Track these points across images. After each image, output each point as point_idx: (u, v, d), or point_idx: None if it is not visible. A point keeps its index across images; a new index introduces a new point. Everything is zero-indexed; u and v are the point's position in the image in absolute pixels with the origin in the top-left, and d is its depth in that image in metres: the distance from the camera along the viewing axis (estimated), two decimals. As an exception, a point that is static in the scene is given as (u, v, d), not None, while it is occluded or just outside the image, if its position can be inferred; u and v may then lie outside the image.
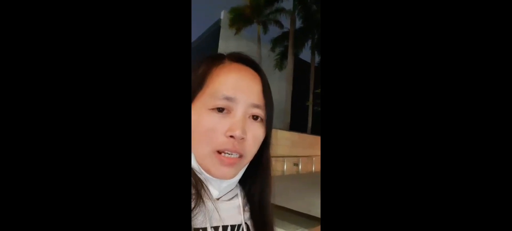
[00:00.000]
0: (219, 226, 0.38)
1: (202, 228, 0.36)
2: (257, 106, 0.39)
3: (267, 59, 11.76)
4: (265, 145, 0.43)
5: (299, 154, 8.23)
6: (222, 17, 13.68)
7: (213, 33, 14.19)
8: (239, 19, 10.76)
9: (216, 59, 0.41)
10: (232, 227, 0.40)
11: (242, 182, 0.44)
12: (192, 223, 0.35)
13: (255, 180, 0.45)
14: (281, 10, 10.88)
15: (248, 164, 0.41)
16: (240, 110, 0.37)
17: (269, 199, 0.45)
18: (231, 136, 0.36)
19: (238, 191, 0.43)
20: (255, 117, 0.39)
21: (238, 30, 11.02)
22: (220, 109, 0.37)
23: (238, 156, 0.38)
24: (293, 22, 10.97)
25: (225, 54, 0.43)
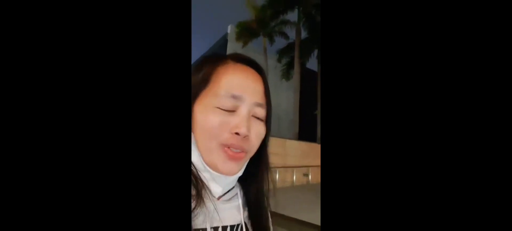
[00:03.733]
0: (218, 227, 0.39)
1: (202, 229, 0.37)
2: (260, 105, 0.40)
3: (274, 70, 11.91)
4: (263, 144, 0.44)
5: (309, 164, 8.20)
6: (229, 31, 14.06)
7: (221, 48, 14.54)
8: (246, 33, 11.02)
9: (219, 59, 0.42)
10: (231, 227, 0.41)
11: (241, 182, 0.46)
12: (193, 223, 0.36)
13: (253, 180, 0.46)
14: (286, 22, 11.08)
15: (248, 159, 0.42)
16: (245, 109, 0.39)
17: (264, 198, 0.46)
18: (237, 133, 0.38)
19: (237, 190, 0.45)
20: (257, 116, 0.41)
21: (245, 43, 11.27)
22: (226, 108, 0.38)
23: (242, 151, 0.39)
24: (298, 33, 11.14)
25: (227, 55, 0.44)
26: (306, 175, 8.04)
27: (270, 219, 0.47)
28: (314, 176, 8.27)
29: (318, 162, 8.72)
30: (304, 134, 10.42)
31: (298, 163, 7.83)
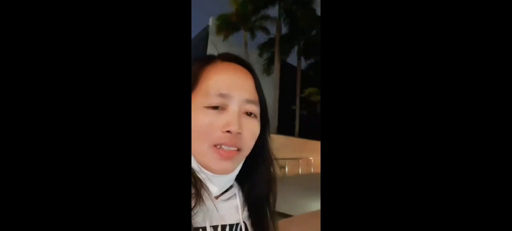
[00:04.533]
0: (218, 226, 0.40)
1: (201, 228, 0.37)
2: (251, 102, 0.40)
3: (255, 65, 11.95)
4: (262, 142, 0.44)
5: (286, 157, 8.51)
6: (210, 24, 13.94)
7: (202, 40, 14.38)
8: (226, 26, 11.02)
9: (207, 60, 0.42)
10: (231, 226, 0.41)
11: (240, 181, 0.46)
12: (192, 222, 0.36)
13: (252, 179, 0.46)
14: (267, 17, 11.22)
15: (244, 158, 0.42)
16: (235, 106, 0.39)
17: (266, 197, 0.46)
18: (228, 131, 0.38)
19: (236, 190, 0.45)
20: (249, 113, 0.40)
21: (225, 36, 11.28)
22: (215, 107, 0.38)
23: (236, 149, 0.39)
24: (279, 29, 11.34)
25: (215, 55, 0.44)
26: (283, 167, 8.36)
27: (270, 219, 0.47)
28: (291, 169, 8.61)
29: (294, 154, 9.07)
30: (283, 128, 10.72)
31: (275, 156, 8.06)
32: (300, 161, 9.31)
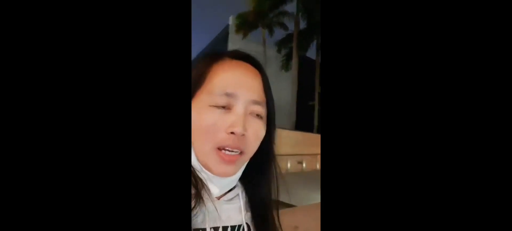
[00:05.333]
0: (219, 227, 0.39)
1: (201, 229, 0.37)
2: (257, 103, 0.39)
3: (274, 61, 12.18)
4: (268, 143, 0.43)
5: (303, 152, 8.64)
6: (230, 22, 14.23)
7: (222, 40, 14.73)
8: (245, 25, 11.24)
9: (215, 57, 0.41)
10: (232, 228, 0.40)
11: (244, 182, 0.45)
12: (192, 222, 0.35)
13: (257, 181, 0.45)
14: (284, 13, 11.26)
15: (248, 160, 0.41)
16: (240, 106, 0.38)
17: (270, 198, 0.45)
18: (232, 133, 0.37)
19: (239, 191, 0.44)
20: (255, 114, 0.39)
21: (245, 34, 11.52)
22: (221, 106, 0.37)
23: (238, 152, 0.38)
24: (297, 24, 11.33)
25: (225, 51, 0.43)
26: (300, 162, 8.51)
27: (277, 221, 0.47)
28: (309, 164, 8.72)
29: (312, 150, 9.15)
30: (302, 124, 10.76)
31: (292, 152, 8.26)
32: (318, 156, 9.39)
